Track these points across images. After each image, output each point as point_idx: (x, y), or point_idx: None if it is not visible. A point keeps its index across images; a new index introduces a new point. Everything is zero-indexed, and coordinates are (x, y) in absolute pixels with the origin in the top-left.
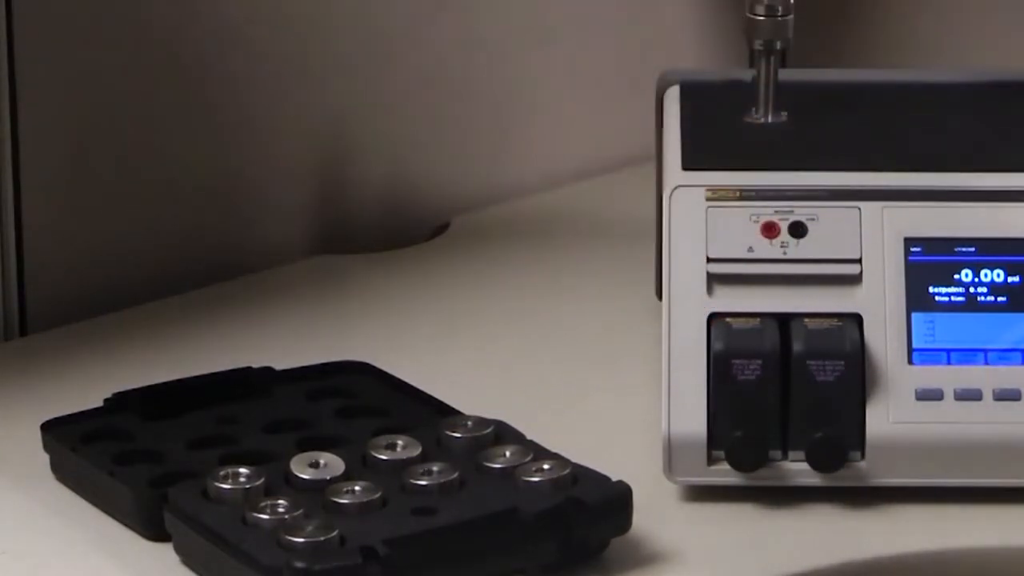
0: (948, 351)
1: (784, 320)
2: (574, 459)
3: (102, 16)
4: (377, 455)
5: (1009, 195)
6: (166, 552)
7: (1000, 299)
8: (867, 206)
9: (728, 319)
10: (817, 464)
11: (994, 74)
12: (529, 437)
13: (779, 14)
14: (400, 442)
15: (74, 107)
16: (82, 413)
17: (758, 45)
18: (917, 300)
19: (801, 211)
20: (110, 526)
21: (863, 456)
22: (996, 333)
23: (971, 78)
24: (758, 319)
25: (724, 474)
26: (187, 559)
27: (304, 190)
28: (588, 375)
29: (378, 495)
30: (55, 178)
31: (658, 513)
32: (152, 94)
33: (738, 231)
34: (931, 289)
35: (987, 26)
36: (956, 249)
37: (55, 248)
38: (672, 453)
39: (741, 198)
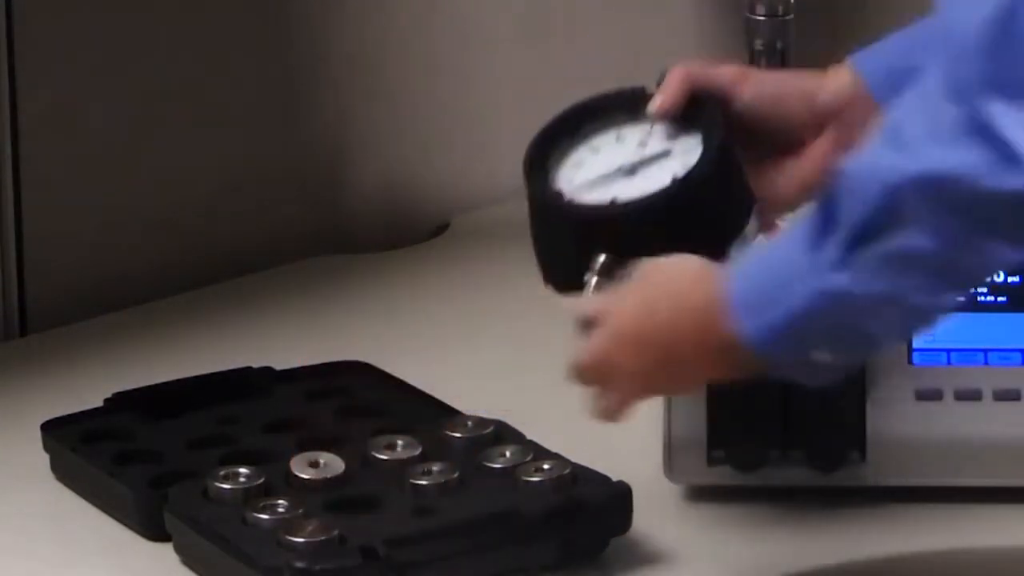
0: (948, 351)
1: None
2: (574, 459)
3: (103, 16)
4: (377, 455)
5: None
6: (166, 552)
7: (1000, 299)
8: None
9: None
10: (817, 464)
11: None
12: (529, 437)
13: (780, 14)
14: (400, 442)
15: (74, 107)
16: (82, 413)
17: (758, 45)
18: None
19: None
20: (110, 526)
21: (863, 456)
22: (996, 333)
23: None
24: None
25: (724, 474)
26: (187, 559)
27: (304, 190)
28: None
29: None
30: (55, 178)
31: (658, 513)
32: (152, 95)
33: None
34: None
35: None
36: None
37: (55, 248)
38: (672, 453)
39: None
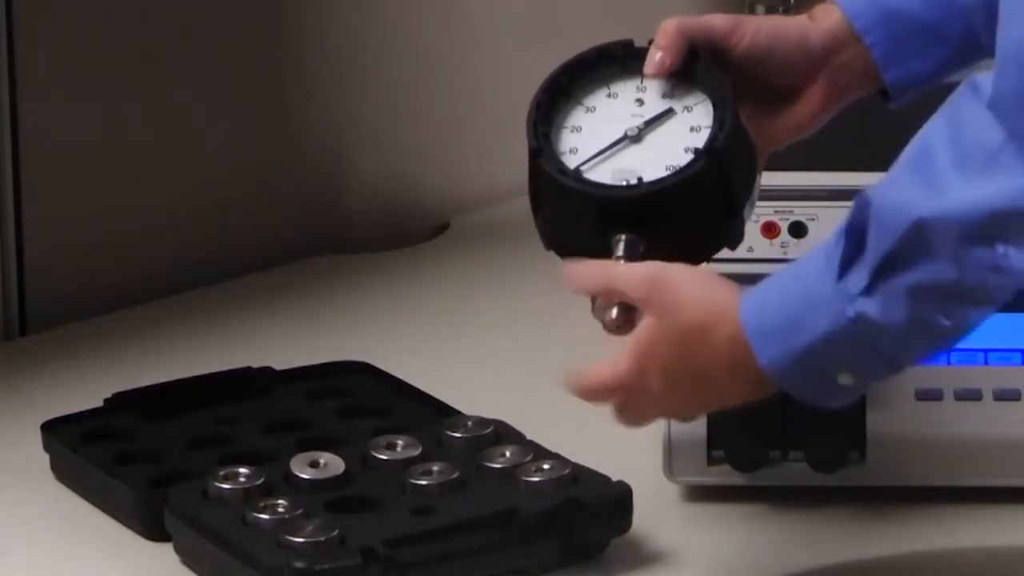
0: (948, 351)
1: None
2: (574, 459)
3: (103, 16)
4: (377, 455)
5: None
6: (166, 552)
7: None
8: None
9: None
10: (817, 464)
11: None
12: (529, 437)
13: (779, 14)
14: (400, 442)
15: (74, 107)
16: (82, 413)
17: None
18: None
19: (801, 211)
20: (110, 526)
21: (863, 456)
22: (996, 333)
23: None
24: None
25: (724, 474)
26: (187, 559)
27: (304, 190)
28: None
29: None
30: (55, 178)
31: (658, 513)
32: (152, 96)
33: None
34: None
35: None
36: None
37: (55, 248)
38: (672, 453)
39: None
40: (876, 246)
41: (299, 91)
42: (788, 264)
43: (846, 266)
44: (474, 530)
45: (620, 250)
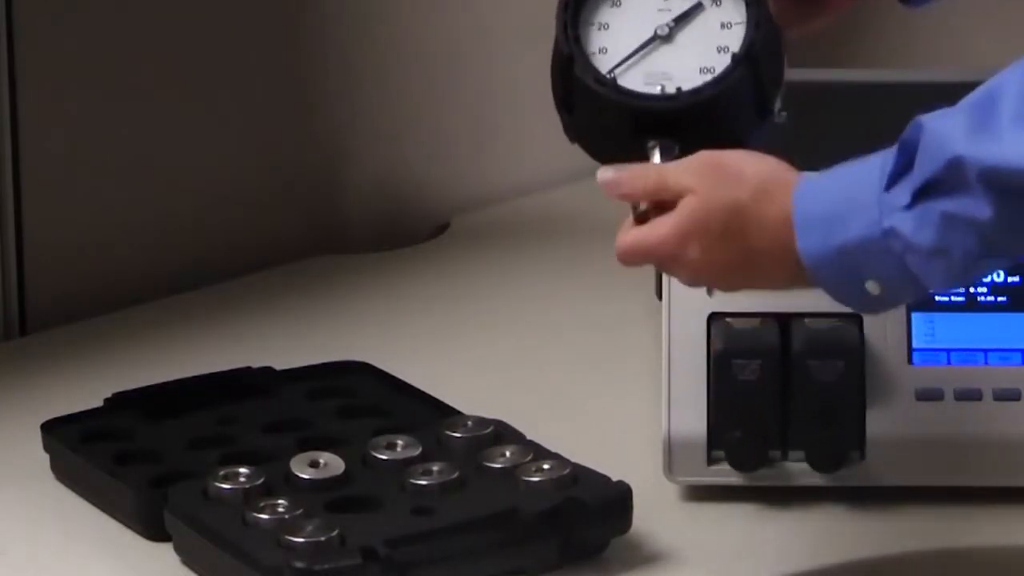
0: (948, 351)
1: (784, 320)
2: (574, 459)
3: (103, 16)
4: (377, 455)
5: None
6: (166, 552)
7: (1000, 299)
8: None
9: (728, 319)
10: (817, 464)
11: (993, 74)
12: (529, 437)
13: None
14: (400, 442)
15: (74, 107)
16: (82, 413)
17: None
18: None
19: None
20: (110, 526)
21: (863, 456)
22: (996, 333)
23: (970, 78)
24: (758, 319)
25: (724, 474)
26: (187, 559)
27: (304, 190)
28: (588, 375)
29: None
30: (55, 178)
31: (658, 513)
32: (152, 96)
33: None
34: None
35: (987, 26)
36: None
37: (55, 248)
38: (672, 453)
39: None
40: (920, 169)
41: (299, 91)
42: (850, 161)
43: (894, 178)
44: (474, 530)
45: (656, 156)
